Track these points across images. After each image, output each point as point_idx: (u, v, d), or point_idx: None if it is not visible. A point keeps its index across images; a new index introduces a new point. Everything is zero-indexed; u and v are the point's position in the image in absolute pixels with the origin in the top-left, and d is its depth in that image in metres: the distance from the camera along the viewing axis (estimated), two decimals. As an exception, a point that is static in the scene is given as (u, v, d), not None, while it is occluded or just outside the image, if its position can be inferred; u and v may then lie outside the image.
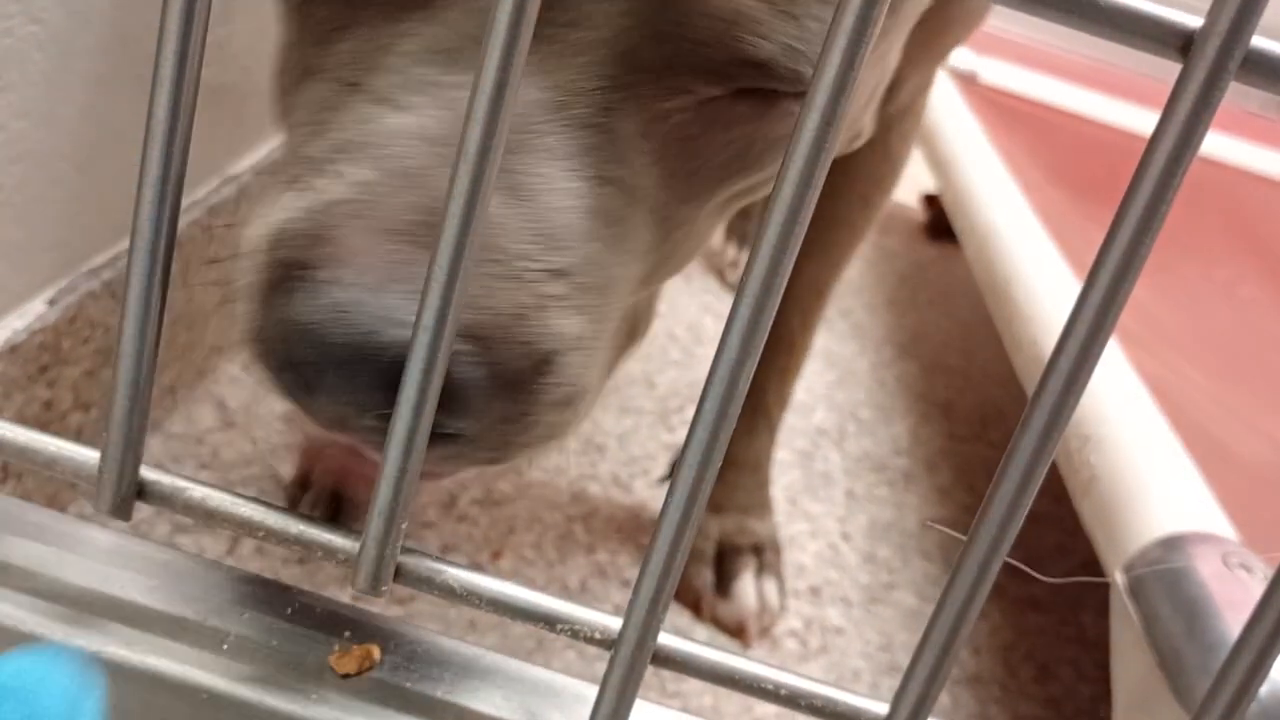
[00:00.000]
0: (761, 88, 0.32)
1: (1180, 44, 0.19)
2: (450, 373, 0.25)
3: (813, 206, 0.20)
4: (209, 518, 0.24)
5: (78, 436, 0.66)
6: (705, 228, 0.38)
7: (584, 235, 0.30)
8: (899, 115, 0.70)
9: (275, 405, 0.83)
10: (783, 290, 0.20)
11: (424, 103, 0.29)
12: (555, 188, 0.29)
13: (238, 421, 0.80)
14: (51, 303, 0.62)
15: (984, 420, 1.16)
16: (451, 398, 0.26)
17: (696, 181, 0.34)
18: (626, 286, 0.33)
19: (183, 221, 0.74)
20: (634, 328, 0.38)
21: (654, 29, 0.30)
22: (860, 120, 0.46)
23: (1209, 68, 0.18)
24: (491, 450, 0.29)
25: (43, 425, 0.63)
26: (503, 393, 0.28)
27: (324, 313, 0.26)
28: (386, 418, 0.25)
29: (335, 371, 0.26)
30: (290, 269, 0.27)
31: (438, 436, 0.26)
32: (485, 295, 0.28)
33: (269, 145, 0.87)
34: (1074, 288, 0.80)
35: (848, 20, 0.18)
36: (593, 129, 0.30)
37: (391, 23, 0.30)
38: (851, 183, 0.73)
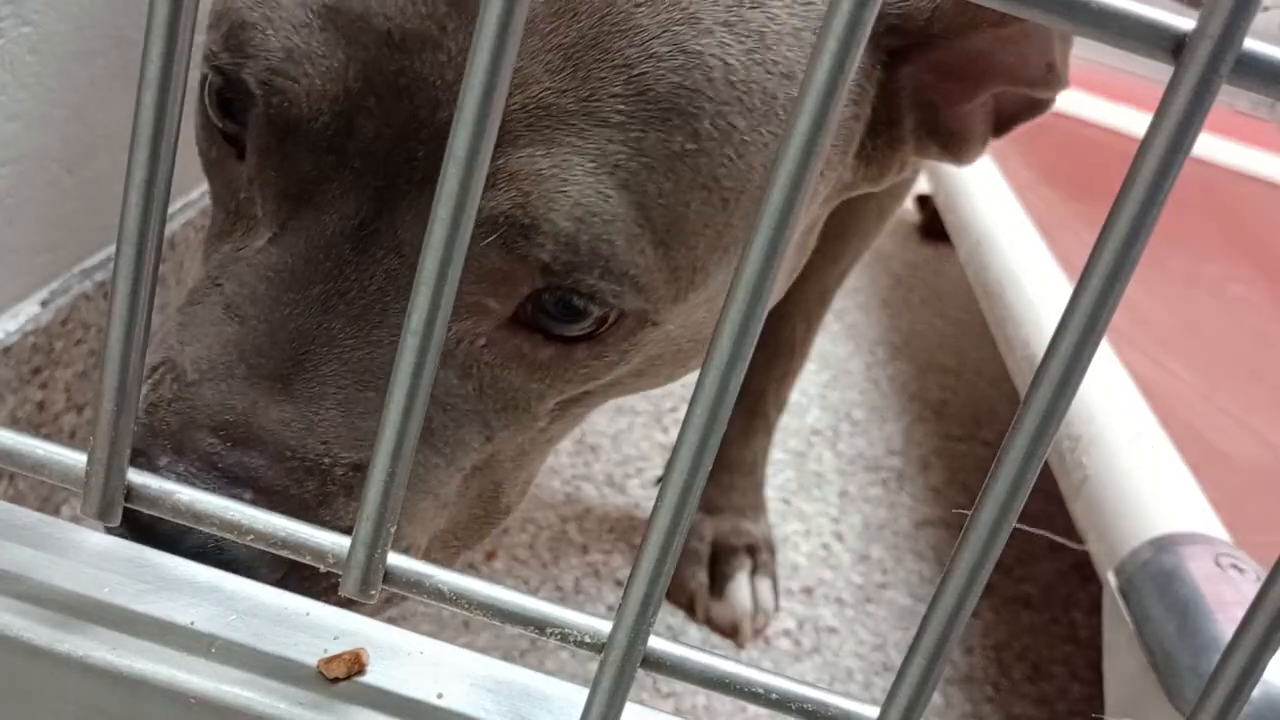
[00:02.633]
0: (557, 332, 0.36)
1: (1172, 46, 0.19)
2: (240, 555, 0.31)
3: (800, 215, 0.20)
4: (197, 519, 0.23)
5: (71, 437, 0.66)
6: (549, 427, 0.40)
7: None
8: None
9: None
10: (772, 289, 0.20)
11: (253, 313, 0.34)
12: (356, 397, 0.34)
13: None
14: (44, 304, 0.62)
15: (977, 420, 1.17)
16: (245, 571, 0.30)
17: (514, 397, 0.37)
18: (443, 479, 0.37)
19: (176, 222, 0.74)
20: (495, 505, 0.41)
21: None
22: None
23: (1201, 70, 0.18)
24: None
25: (36, 426, 0.63)
26: (299, 577, 0.33)
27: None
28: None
29: (162, 545, 0.30)
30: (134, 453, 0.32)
31: None
32: (293, 485, 0.33)
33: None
34: (1066, 288, 0.81)
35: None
36: (392, 348, 0.34)
37: (251, 239, 0.36)
38: (869, 193, 0.73)
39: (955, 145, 0.43)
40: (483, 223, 0.32)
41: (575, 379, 0.37)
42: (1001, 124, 0.43)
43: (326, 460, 0.34)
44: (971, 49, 0.39)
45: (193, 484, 0.30)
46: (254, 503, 0.31)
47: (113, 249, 0.71)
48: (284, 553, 0.24)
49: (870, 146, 0.41)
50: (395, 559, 0.23)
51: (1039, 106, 0.43)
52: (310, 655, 0.24)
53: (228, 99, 0.35)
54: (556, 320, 0.35)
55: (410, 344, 0.21)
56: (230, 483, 0.32)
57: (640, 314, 0.36)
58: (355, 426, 0.34)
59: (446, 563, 0.40)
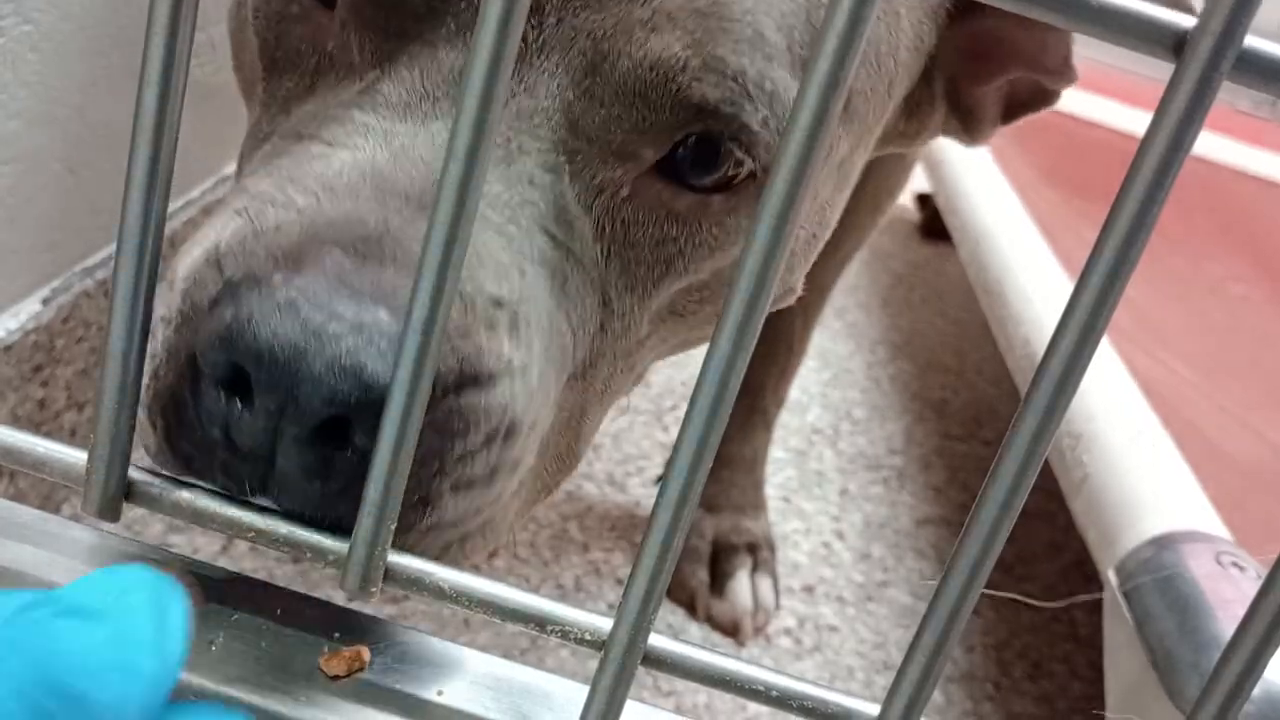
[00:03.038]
0: (694, 182, 0.35)
1: (1173, 44, 0.19)
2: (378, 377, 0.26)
3: (806, 202, 0.20)
4: (197, 518, 0.23)
5: (71, 435, 0.66)
6: (646, 339, 0.39)
7: (522, 273, 0.32)
8: None
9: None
10: (774, 289, 0.20)
11: (368, 145, 0.31)
12: (498, 227, 0.31)
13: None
14: (45, 302, 0.62)
15: (978, 419, 1.17)
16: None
17: (637, 271, 0.36)
18: (568, 344, 0.34)
19: (177, 221, 0.74)
20: (573, 448, 0.39)
21: (589, 92, 0.32)
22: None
23: (1202, 67, 0.18)
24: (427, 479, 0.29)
25: (37, 424, 0.63)
26: (434, 403, 0.28)
27: (278, 311, 0.26)
28: (317, 437, 0.26)
29: (281, 369, 0.25)
30: (236, 283, 0.27)
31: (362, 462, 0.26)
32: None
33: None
34: (1066, 287, 0.81)
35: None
36: (537, 187, 0.32)
37: (345, 87, 0.33)
38: (864, 186, 0.73)
39: (970, 124, 0.44)
40: (651, 67, 0.32)
41: (705, 241, 0.36)
42: (1012, 110, 0.45)
43: (469, 288, 0.30)
44: (1003, 28, 0.40)
45: (316, 303, 0.26)
46: (389, 323, 0.27)
47: (114, 247, 0.71)
48: (284, 551, 0.24)
49: (915, 97, 0.42)
50: (396, 556, 0.23)
51: (1049, 97, 0.44)
52: (312, 653, 0.24)
53: None
54: (694, 168, 0.34)
55: (411, 342, 0.21)
56: (362, 300, 0.27)
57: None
58: (495, 258, 0.31)
59: (527, 506, 0.37)
